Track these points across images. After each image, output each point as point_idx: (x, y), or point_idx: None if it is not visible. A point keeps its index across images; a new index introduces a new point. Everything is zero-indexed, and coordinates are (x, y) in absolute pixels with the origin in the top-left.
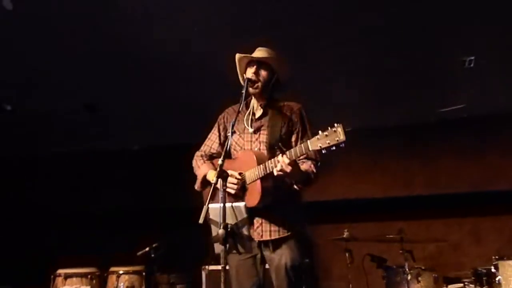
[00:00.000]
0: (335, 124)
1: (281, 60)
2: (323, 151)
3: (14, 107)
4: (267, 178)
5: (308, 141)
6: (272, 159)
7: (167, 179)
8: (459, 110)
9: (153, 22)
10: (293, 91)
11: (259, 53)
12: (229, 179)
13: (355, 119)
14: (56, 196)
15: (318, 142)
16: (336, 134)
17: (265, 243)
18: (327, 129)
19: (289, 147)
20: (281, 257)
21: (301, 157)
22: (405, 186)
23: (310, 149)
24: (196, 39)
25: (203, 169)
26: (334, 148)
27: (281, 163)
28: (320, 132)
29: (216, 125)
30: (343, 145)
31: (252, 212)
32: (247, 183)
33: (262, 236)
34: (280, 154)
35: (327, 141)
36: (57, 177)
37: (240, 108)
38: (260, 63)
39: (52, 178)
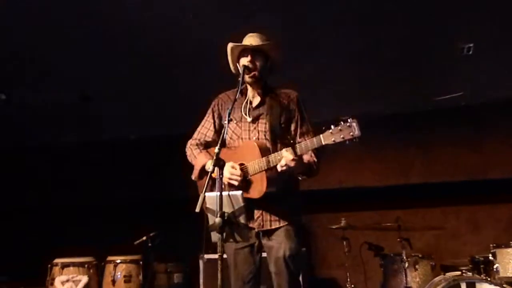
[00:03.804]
0: (349, 119)
1: (274, 46)
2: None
3: (9, 97)
4: (271, 169)
5: (321, 135)
6: (277, 153)
7: (164, 168)
8: (456, 99)
9: (148, 9)
10: (290, 79)
11: (252, 39)
12: (231, 170)
13: (351, 107)
14: (53, 187)
15: (332, 136)
16: (351, 129)
17: (264, 232)
18: (340, 123)
19: (288, 135)
20: (280, 246)
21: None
22: (402, 175)
23: (323, 143)
24: (193, 27)
25: (200, 159)
26: (347, 142)
27: (285, 158)
28: (332, 126)
29: (210, 111)
30: (357, 140)
31: (252, 203)
32: (250, 174)
33: (262, 226)
34: (285, 149)
35: (341, 136)
36: (53, 169)
37: (237, 96)
38: (254, 51)
39: (48, 170)
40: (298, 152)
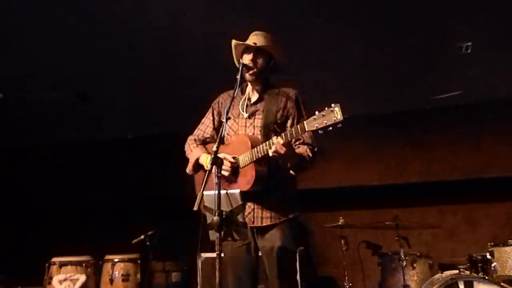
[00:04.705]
0: (332, 104)
1: (279, 46)
2: (320, 132)
3: (6, 96)
4: (261, 162)
5: (305, 121)
6: (267, 141)
7: (162, 167)
8: (454, 97)
9: (147, 7)
10: (287, 77)
11: (256, 38)
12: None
13: (349, 106)
14: (51, 186)
15: (314, 122)
16: (334, 114)
17: (257, 229)
18: (324, 109)
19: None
20: (273, 242)
21: (297, 142)
22: (400, 174)
23: (307, 129)
24: (193, 27)
25: (195, 152)
26: (331, 128)
27: (275, 144)
28: (316, 112)
29: (210, 110)
30: (340, 125)
31: (244, 197)
32: (241, 166)
33: (253, 222)
34: (275, 136)
35: (324, 121)
36: (51, 167)
37: (235, 94)
38: (257, 50)
39: (46, 169)
40: (284, 139)
